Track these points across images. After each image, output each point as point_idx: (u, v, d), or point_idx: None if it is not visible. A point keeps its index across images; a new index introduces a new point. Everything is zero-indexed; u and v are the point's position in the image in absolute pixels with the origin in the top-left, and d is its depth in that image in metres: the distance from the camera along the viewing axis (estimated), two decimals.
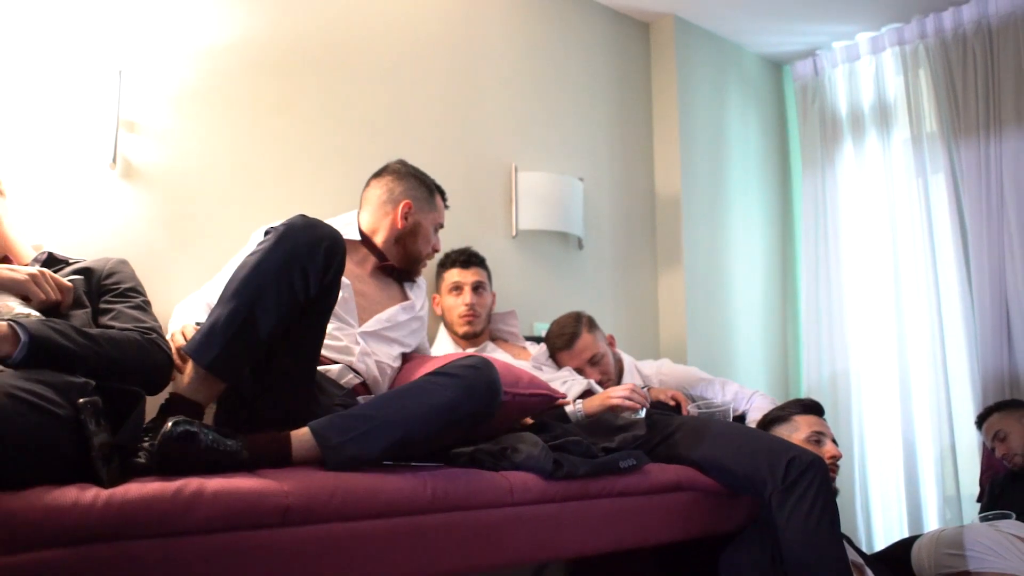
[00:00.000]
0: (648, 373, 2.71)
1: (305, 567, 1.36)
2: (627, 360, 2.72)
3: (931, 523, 3.25)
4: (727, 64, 3.75)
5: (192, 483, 1.28)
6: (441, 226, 2.32)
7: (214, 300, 1.67)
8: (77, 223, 2.04)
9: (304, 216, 1.64)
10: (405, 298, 2.25)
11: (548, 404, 2.01)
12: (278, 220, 1.72)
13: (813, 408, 2.37)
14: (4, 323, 1.39)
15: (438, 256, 2.53)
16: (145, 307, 1.71)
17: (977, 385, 3.26)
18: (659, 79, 3.54)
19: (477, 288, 2.54)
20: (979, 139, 3.35)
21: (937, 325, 3.40)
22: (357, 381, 1.96)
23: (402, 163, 2.31)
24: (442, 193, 2.34)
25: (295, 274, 1.56)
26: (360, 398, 1.95)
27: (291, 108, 2.46)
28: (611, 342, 2.71)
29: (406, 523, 1.49)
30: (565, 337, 2.58)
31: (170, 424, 1.34)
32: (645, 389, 2.48)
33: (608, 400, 2.17)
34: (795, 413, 2.34)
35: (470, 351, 2.45)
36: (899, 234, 3.59)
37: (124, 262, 1.80)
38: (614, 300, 3.23)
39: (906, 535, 3.17)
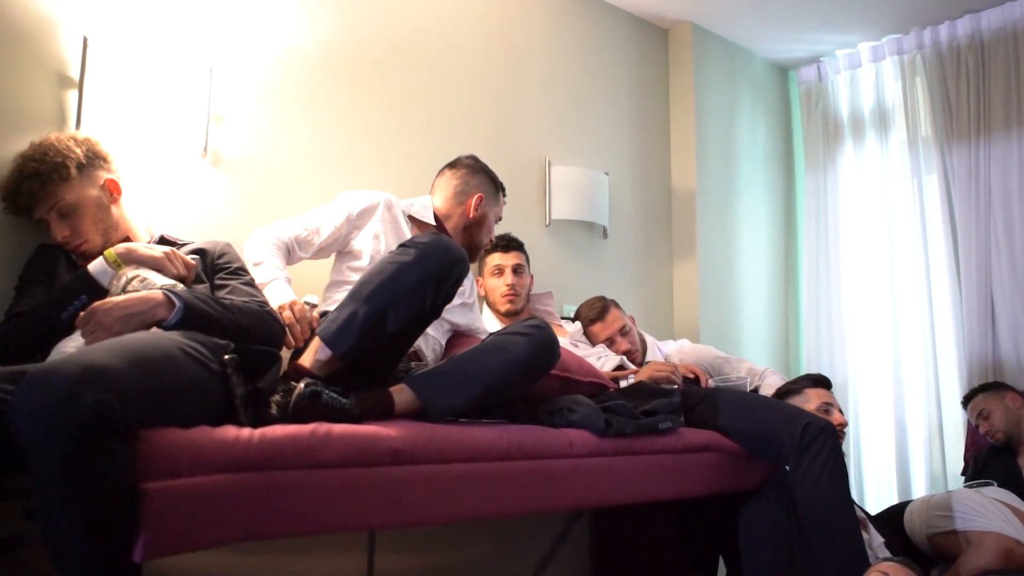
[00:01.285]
0: (669, 352, 2.97)
1: (409, 499, 1.61)
2: (649, 339, 2.98)
3: (919, 493, 3.52)
4: (738, 69, 4.01)
5: (322, 427, 1.53)
6: (500, 219, 2.54)
7: (285, 236, 2.12)
8: (173, 207, 2.27)
9: (438, 236, 1.86)
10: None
11: (600, 390, 2.26)
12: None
13: (822, 382, 2.64)
14: (160, 292, 1.63)
15: None
16: (253, 283, 1.95)
17: (963, 369, 3.54)
18: (676, 82, 3.79)
19: (517, 270, 2.79)
20: (970, 143, 3.62)
21: (928, 314, 3.68)
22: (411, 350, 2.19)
23: (473, 158, 2.51)
24: (504, 190, 2.55)
25: (429, 290, 1.79)
26: (413, 364, 2.19)
27: (355, 103, 2.70)
28: (632, 322, 2.97)
29: (488, 468, 1.75)
30: (596, 310, 2.86)
31: (303, 385, 1.59)
32: (676, 361, 2.76)
33: (654, 373, 2.45)
34: (806, 386, 2.62)
35: None
36: (894, 230, 3.85)
37: (229, 244, 2.03)
38: (633, 285, 3.49)
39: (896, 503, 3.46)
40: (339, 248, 2.28)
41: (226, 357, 1.56)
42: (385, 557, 2.49)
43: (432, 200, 2.45)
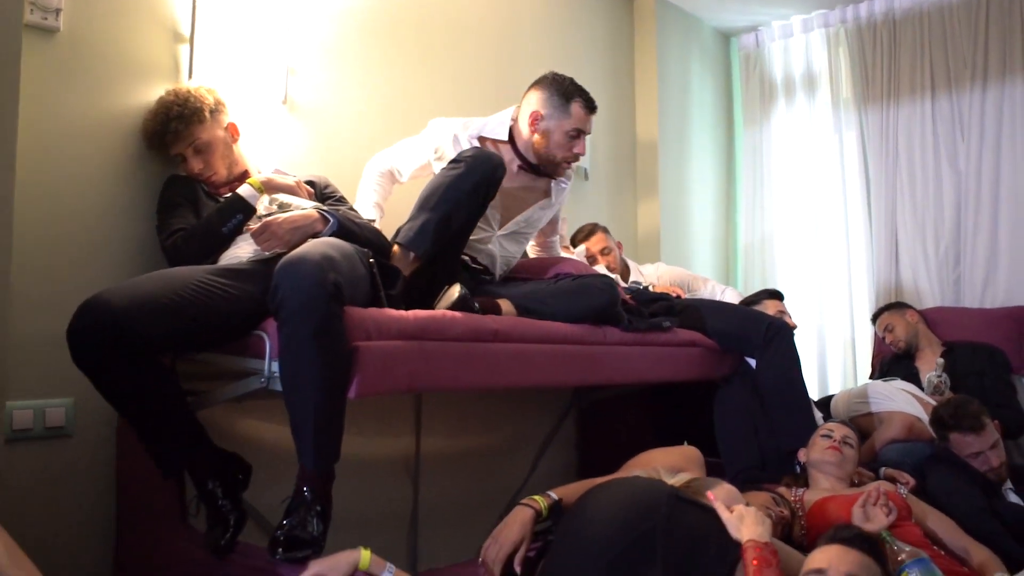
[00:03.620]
0: (648, 273, 3.58)
1: (504, 366, 2.16)
2: (632, 264, 3.58)
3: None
4: (691, 36, 4.60)
5: (448, 314, 2.06)
6: (579, 131, 2.58)
7: (388, 165, 2.65)
8: (260, 147, 2.68)
9: (479, 149, 2.35)
10: (547, 195, 2.73)
11: None
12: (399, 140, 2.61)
13: (777, 295, 3.31)
14: (315, 211, 2.10)
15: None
16: (353, 210, 2.43)
17: (872, 291, 4.28)
18: (640, 47, 4.34)
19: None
20: (882, 106, 4.32)
21: (844, 247, 4.39)
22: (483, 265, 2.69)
23: (553, 74, 2.61)
24: (584, 98, 2.58)
25: (480, 194, 2.28)
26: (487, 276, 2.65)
27: (398, 59, 3.12)
28: (620, 247, 3.55)
29: (557, 348, 2.31)
30: (585, 231, 3.43)
31: (457, 292, 2.10)
32: (650, 285, 3.36)
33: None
34: (764, 298, 3.28)
35: None
36: (818, 176, 4.52)
37: (327, 178, 2.49)
38: (607, 218, 4.05)
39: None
40: (427, 173, 2.67)
41: (371, 261, 2.05)
42: (428, 440, 3.02)
43: (516, 115, 2.67)
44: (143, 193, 2.37)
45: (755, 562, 1.58)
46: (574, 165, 2.77)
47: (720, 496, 1.80)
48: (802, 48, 4.62)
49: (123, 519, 2.20)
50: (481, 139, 2.67)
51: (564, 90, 2.58)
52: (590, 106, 2.61)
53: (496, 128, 2.66)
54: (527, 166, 2.67)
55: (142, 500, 2.15)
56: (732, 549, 1.71)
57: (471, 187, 2.26)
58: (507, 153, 2.63)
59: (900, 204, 4.25)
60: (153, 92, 2.39)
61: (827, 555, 1.54)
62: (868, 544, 1.57)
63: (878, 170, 4.30)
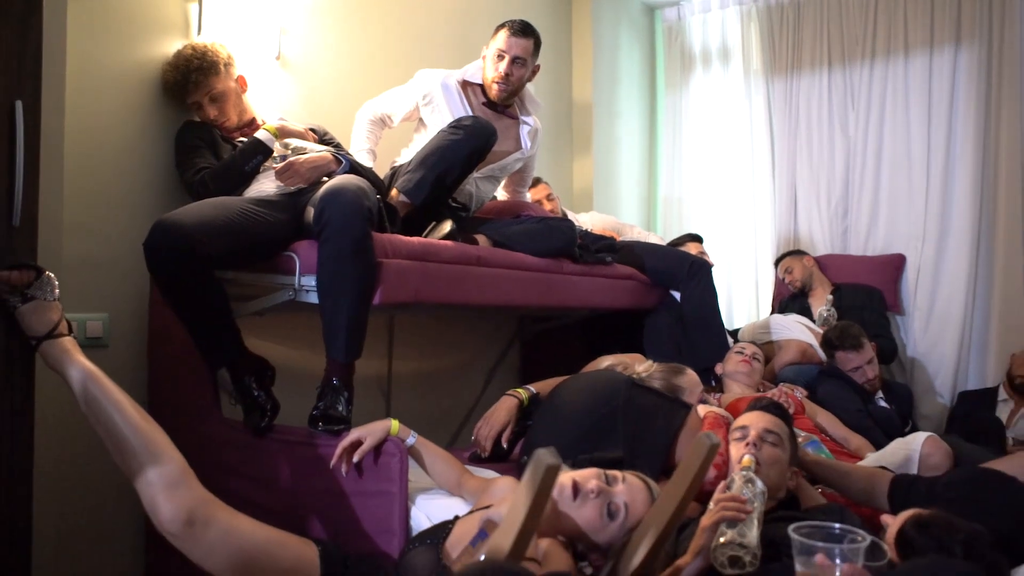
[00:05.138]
0: (583, 221, 4.05)
1: (489, 285, 2.60)
2: (570, 213, 4.05)
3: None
4: (621, 9, 5.05)
5: (441, 243, 2.48)
6: (502, 53, 2.93)
7: (379, 112, 3.01)
8: (257, 99, 3.01)
9: (477, 119, 2.73)
10: (518, 145, 3.10)
11: None
12: (383, 92, 2.98)
13: (697, 238, 3.85)
14: (329, 153, 2.47)
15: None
16: (351, 154, 2.80)
17: (774, 240, 4.89)
18: (577, 19, 4.76)
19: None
20: (787, 77, 4.89)
21: (751, 200, 4.97)
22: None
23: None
24: (510, 25, 2.94)
25: (473, 159, 2.70)
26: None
27: (381, 20, 3.45)
28: (556, 198, 4.02)
29: (524, 275, 2.76)
30: (532, 182, 3.87)
31: (449, 226, 2.52)
32: (588, 227, 3.84)
33: None
34: (687, 240, 3.82)
35: None
36: (729, 138, 5.06)
37: (323, 127, 2.85)
38: (549, 173, 4.51)
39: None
40: (415, 118, 3.07)
41: (378, 197, 2.44)
42: (398, 363, 3.44)
43: None
44: (160, 136, 2.68)
45: (709, 421, 2.11)
46: (538, 121, 3.24)
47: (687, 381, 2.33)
48: (718, 23, 5.14)
49: (155, 416, 2.55)
50: (463, 83, 3.06)
51: (500, 25, 2.98)
52: (512, 30, 2.94)
53: (475, 74, 3.06)
54: (488, 103, 3.06)
55: (172, 400, 2.50)
56: (676, 422, 2.22)
57: (467, 153, 2.67)
58: (479, 94, 3.06)
59: (799, 164, 4.84)
60: (167, 46, 2.69)
61: (750, 418, 2.06)
62: (779, 410, 2.09)
63: (781, 133, 4.89)
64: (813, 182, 4.80)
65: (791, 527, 1.44)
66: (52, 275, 1.75)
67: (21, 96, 1.70)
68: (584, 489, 1.59)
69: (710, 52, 5.18)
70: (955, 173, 4.37)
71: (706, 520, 1.62)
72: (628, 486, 1.65)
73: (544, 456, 1.23)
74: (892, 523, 1.65)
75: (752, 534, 1.61)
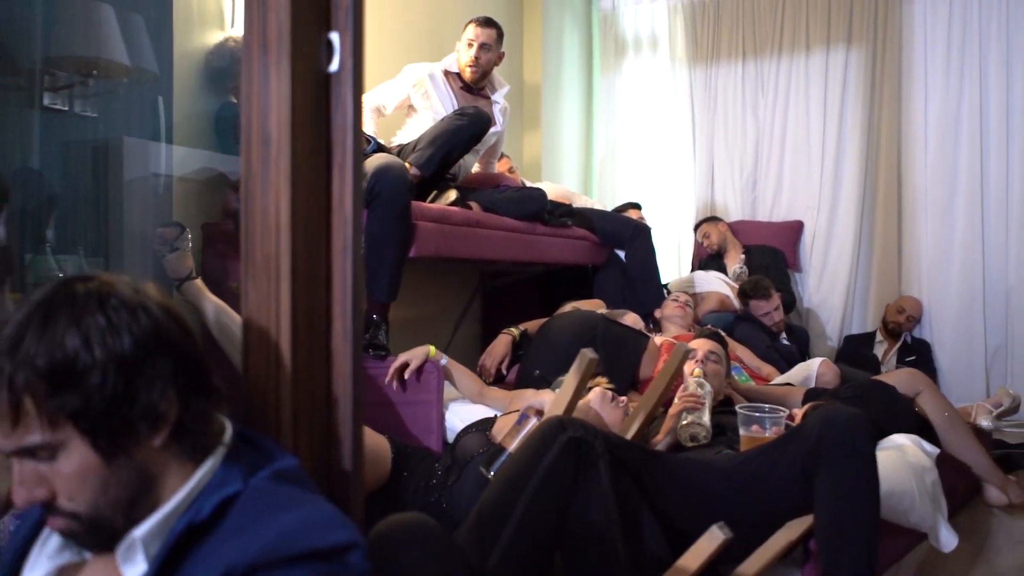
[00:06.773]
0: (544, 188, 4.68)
1: (485, 243, 3.21)
2: (527, 182, 4.67)
3: None
4: None
5: (450, 208, 3.08)
6: (471, 41, 3.46)
7: (376, 103, 3.46)
8: None
9: (479, 109, 3.29)
10: (492, 123, 3.47)
11: None
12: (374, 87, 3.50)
13: (637, 205, 4.55)
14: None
15: None
16: None
17: (694, 207, 5.64)
18: (528, 8, 5.36)
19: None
20: (706, 66, 5.61)
21: (674, 173, 5.69)
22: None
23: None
24: (478, 20, 3.48)
25: (472, 142, 3.26)
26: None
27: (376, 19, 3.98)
28: (516, 170, 4.63)
29: (509, 235, 3.38)
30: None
31: (455, 195, 3.10)
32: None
33: None
34: (629, 208, 4.51)
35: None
36: (655, 117, 5.74)
37: None
38: (505, 147, 5.12)
39: None
40: (406, 105, 3.58)
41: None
42: None
43: None
44: (201, 114, 3.17)
45: (666, 347, 2.81)
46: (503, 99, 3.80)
47: (630, 320, 3.00)
48: (648, 14, 5.79)
49: None
50: (445, 72, 3.60)
51: (468, 20, 3.56)
52: (478, 22, 3.51)
53: (452, 63, 3.60)
54: (465, 86, 3.58)
55: None
56: (640, 348, 2.91)
57: (468, 137, 3.23)
58: (457, 79, 3.58)
59: (716, 142, 5.59)
60: (205, 36, 3.17)
61: (698, 343, 2.75)
62: (719, 338, 2.80)
63: (701, 115, 5.61)
64: (728, 158, 5.56)
65: (738, 407, 2.15)
66: (188, 230, 2.27)
67: None
68: (617, 399, 2.25)
69: (641, 40, 5.83)
70: (845, 153, 5.20)
71: (673, 410, 2.32)
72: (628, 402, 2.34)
73: (587, 352, 1.88)
74: (799, 413, 2.38)
75: (705, 419, 2.31)
